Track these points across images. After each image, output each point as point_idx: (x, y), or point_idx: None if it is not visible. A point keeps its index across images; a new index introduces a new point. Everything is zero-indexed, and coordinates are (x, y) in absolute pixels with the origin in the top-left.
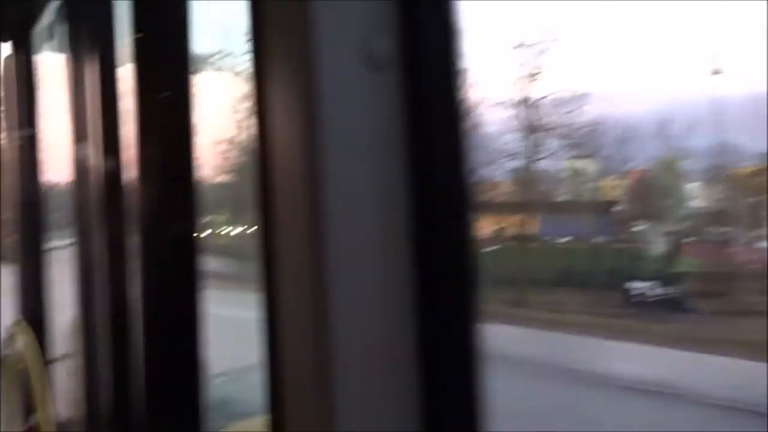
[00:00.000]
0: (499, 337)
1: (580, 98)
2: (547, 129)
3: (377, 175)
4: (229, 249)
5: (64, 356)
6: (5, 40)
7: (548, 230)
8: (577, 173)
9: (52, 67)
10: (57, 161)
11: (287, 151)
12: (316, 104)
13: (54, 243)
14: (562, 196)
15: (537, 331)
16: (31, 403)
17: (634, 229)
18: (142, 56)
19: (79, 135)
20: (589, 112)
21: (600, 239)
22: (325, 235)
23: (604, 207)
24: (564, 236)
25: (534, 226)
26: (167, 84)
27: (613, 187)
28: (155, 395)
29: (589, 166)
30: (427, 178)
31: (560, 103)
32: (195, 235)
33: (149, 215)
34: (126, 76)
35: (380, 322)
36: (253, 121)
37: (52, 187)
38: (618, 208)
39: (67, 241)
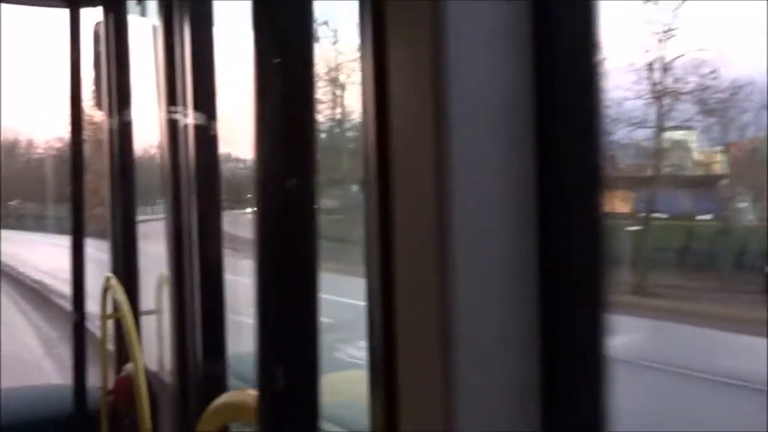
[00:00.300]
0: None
1: (718, 59)
2: (679, 93)
3: (504, 152)
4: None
5: (152, 311)
6: (95, 5)
7: (664, 206)
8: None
9: (140, 32)
10: (149, 128)
11: (409, 124)
12: (442, 72)
13: (144, 211)
14: (688, 168)
15: (666, 324)
16: (122, 354)
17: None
18: (263, 18)
19: (171, 100)
20: (729, 74)
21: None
22: (448, 220)
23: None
24: (693, 212)
25: (648, 200)
26: (287, 48)
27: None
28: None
29: (721, 133)
30: (556, 155)
31: (695, 65)
32: (312, 201)
33: (266, 180)
34: (223, 38)
35: (503, 315)
36: (365, 90)
37: (146, 151)
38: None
39: (157, 210)
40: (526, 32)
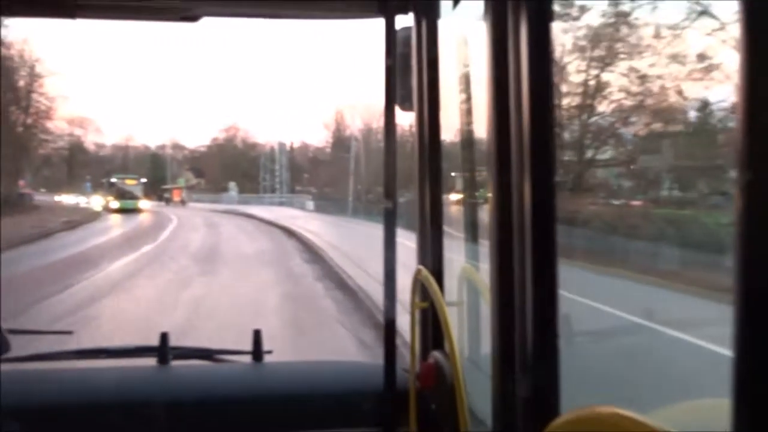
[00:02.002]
0: None
1: None
2: None
3: None
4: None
5: (454, 303)
6: (406, 12)
7: None
8: None
9: (452, 35)
10: (456, 127)
11: None
12: None
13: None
14: None
15: None
16: (426, 341)
17: None
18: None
19: (501, 98)
20: None
21: None
22: None
23: None
24: None
25: None
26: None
27: None
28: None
29: None
30: None
31: None
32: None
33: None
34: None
35: None
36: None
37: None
38: None
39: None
40: None
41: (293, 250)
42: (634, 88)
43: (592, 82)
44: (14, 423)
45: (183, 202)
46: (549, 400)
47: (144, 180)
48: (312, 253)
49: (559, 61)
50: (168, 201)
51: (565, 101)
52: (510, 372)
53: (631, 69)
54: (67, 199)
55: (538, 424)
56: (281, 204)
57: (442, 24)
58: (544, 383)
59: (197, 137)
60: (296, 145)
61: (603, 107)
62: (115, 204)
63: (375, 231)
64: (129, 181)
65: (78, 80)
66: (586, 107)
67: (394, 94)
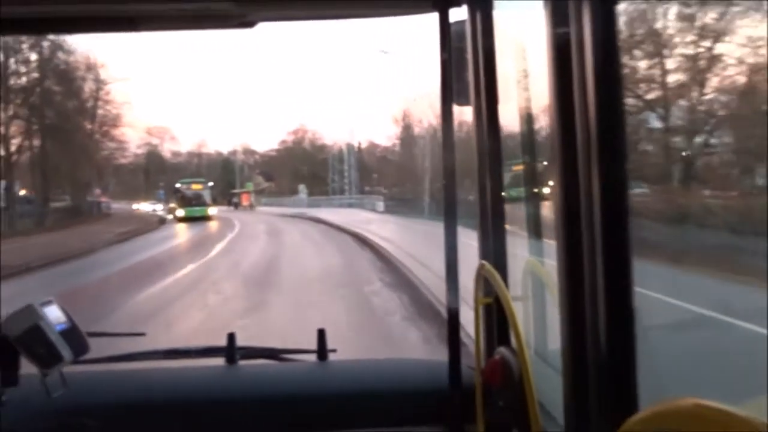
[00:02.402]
0: None
1: None
2: None
3: None
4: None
5: (519, 298)
6: (459, 5)
7: None
8: None
9: (508, 26)
10: (516, 119)
11: None
12: None
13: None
14: None
15: None
16: (491, 337)
17: None
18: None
19: (563, 91)
20: None
21: None
22: None
23: None
24: None
25: None
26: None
27: None
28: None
29: None
30: None
31: None
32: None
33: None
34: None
35: None
36: None
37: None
38: None
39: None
40: None
41: (368, 267)
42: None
43: (703, 56)
44: (92, 421)
45: (251, 207)
46: (626, 396)
47: (211, 184)
48: (393, 272)
49: (660, 34)
50: (237, 205)
51: (672, 78)
52: (583, 368)
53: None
54: (144, 207)
55: (614, 420)
56: (350, 205)
57: (497, 15)
58: (620, 379)
59: (267, 141)
60: (364, 144)
61: (715, 83)
62: (180, 212)
63: (467, 239)
64: (195, 186)
65: (153, 89)
66: (696, 84)
67: (451, 89)
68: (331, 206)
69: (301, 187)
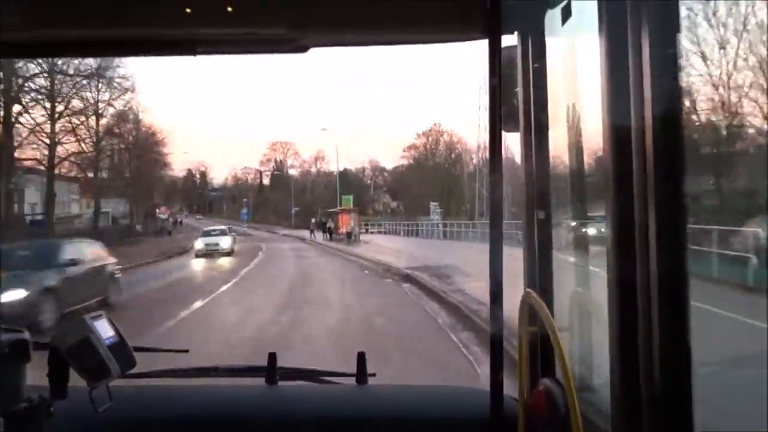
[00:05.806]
0: None
1: None
2: None
3: None
4: None
5: (567, 328)
6: (512, 31)
7: None
8: None
9: (560, 51)
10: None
11: None
12: None
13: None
14: None
15: None
16: (535, 367)
17: None
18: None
19: (618, 116)
20: None
21: None
22: None
23: None
24: None
25: None
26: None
27: None
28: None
29: None
30: None
31: None
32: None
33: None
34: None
35: None
36: None
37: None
38: None
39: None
40: None
41: None
42: None
43: None
44: None
45: (350, 236)
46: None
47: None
48: None
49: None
50: (331, 233)
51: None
52: (635, 404)
53: None
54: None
55: None
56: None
57: (549, 41)
58: (674, 416)
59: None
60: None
61: None
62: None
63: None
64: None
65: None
66: None
67: (500, 114)
68: (474, 239)
69: (433, 206)
